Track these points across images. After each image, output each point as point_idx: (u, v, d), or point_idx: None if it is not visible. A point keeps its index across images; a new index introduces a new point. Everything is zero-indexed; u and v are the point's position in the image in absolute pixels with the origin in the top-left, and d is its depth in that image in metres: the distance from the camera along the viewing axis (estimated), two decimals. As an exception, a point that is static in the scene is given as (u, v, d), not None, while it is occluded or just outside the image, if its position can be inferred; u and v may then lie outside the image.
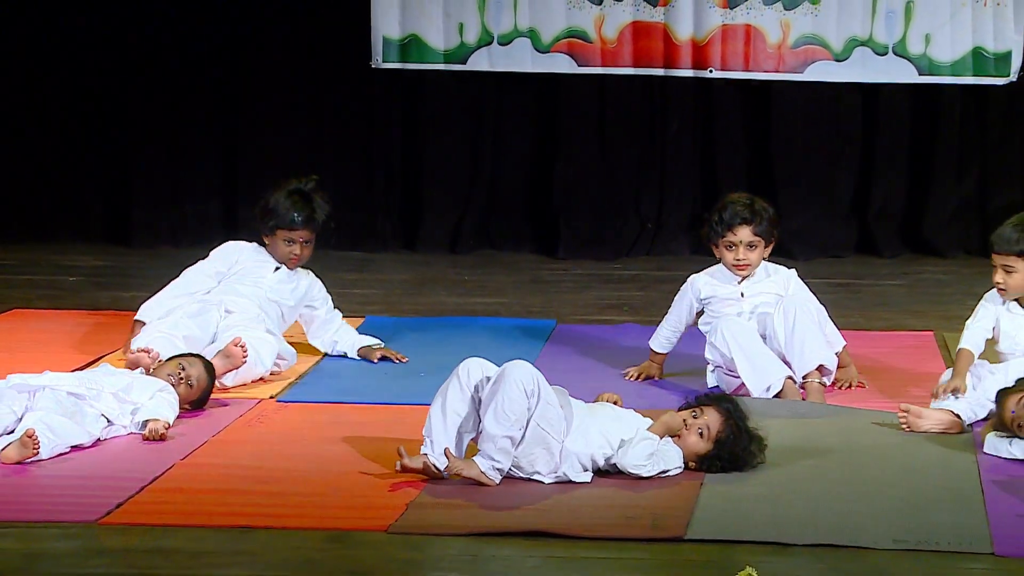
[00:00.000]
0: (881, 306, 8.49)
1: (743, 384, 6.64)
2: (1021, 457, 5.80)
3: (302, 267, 7.44)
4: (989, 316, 6.48)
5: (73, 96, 10.31)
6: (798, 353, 6.69)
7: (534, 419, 5.50)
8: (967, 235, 10.15)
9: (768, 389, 6.61)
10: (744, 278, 6.88)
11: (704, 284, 6.94)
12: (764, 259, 6.91)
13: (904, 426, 6.24)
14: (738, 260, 6.80)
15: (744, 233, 6.76)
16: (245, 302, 7.19)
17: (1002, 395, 5.96)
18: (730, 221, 6.78)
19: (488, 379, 5.58)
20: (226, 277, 7.32)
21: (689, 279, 7.02)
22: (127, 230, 10.23)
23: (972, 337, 6.44)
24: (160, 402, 6.20)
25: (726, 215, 6.80)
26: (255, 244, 7.42)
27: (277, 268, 7.33)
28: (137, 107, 10.32)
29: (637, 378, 7.00)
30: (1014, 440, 5.83)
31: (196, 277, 7.32)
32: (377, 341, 7.48)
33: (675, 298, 7.05)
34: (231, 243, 7.48)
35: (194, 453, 5.99)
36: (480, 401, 5.57)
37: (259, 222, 7.32)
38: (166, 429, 6.11)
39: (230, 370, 6.73)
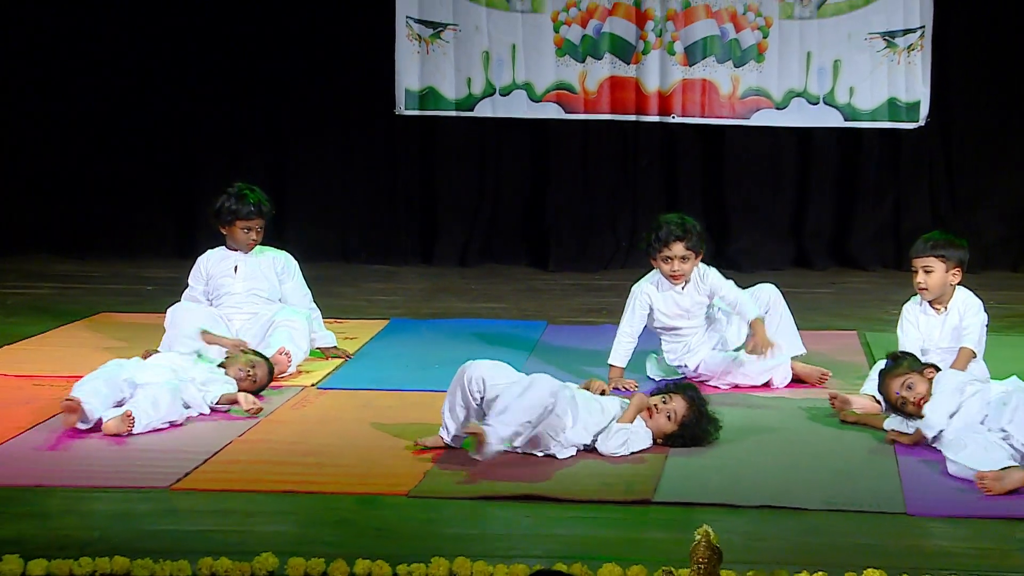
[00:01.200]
0: (813, 310, 8.48)
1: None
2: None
3: (269, 249, 7.27)
4: (912, 323, 6.40)
5: (150, 139, 10.31)
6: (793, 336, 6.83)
7: (543, 427, 5.49)
8: (884, 252, 10.16)
9: None
10: (684, 286, 6.72)
11: (652, 294, 6.75)
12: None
13: (833, 408, 6.23)
14: (674, 271, 6.65)
15: (678, 248, 6.61)
16: (244, 318, 7.08)
17: (884, 377, 5.85)
18: (665, 238, 6.61)
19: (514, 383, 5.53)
20: (208, 294, 7.18)
21: (635, 289, 6.80)
22: (194, 247, 10.12)
23: (910, 344, 6.32)
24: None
25: (662, 233, 6.63)
26: (211, 250, 7.25)
27: (236, 267, 7.15)
28: (202, 147, 10.33)
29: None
30: (909, 422, 5.79)
31: (195, 304, 7.20)
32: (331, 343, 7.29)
33: (626, 309, 6.79)
34: (198, 260, 7.27)
35: (248, 431, 5.98)
36: (481, 402, 5.53)
37: (218, 219, 7.13)
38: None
39: (279, 374, 6.69)
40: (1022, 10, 9.86)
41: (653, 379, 6.78)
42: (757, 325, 6.64)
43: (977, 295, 6.49)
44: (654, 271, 6.78)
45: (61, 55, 10.19)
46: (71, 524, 4.85)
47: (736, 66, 9.96)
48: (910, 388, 5.75)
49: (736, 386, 6.71)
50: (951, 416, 5.58)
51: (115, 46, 10.16)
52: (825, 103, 9.96)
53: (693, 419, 5.71)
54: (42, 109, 10.26)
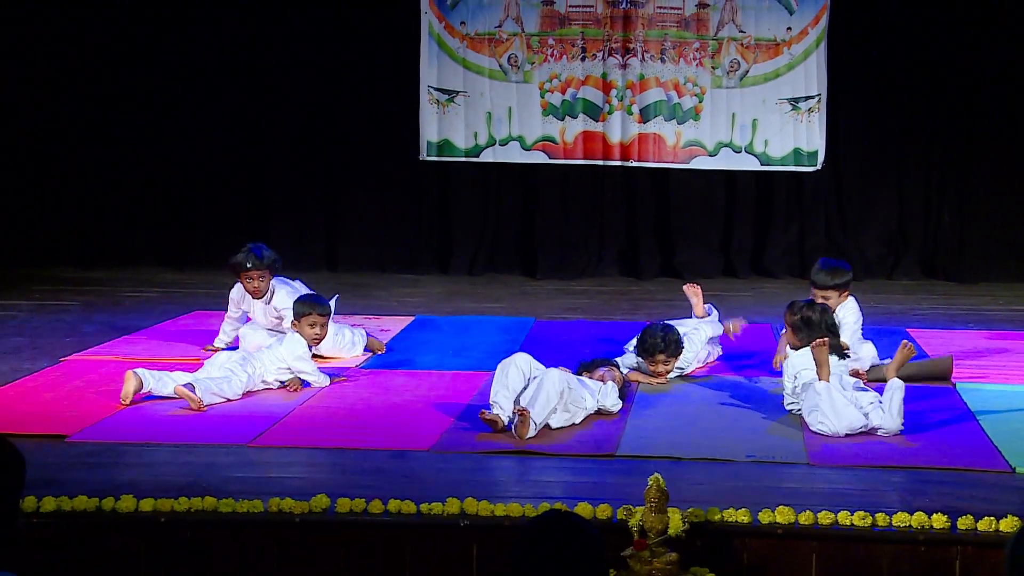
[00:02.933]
0: (738, 309, 8.45)
1: None
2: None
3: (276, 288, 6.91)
4: None
5: (234, 180, 10.27)
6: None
7: (571, 405, 5.47)
8: (791, 264, 10.12)
9: None
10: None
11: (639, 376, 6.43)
12: None
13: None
14: (657, 372, 6.36)
15: (660, 357, 6.34)
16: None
17: (788, 309, 5.88)
18: (651, 351, 6.32)
19: (534, 378, 5.48)
20: (241, 319, 6.99)
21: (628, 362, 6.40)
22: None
23: None
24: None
25: (647, 346, 6.33)
26: (239, 286, 6.97)
27: (253, 307, 6.94)
28: (273, 184, 10.28)
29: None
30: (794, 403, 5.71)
31: (233, 316, 7.03)
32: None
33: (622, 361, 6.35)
34: (232, 293, 7.02)
35: (307, 401, 5.97)
36: (529, 380, 5.49)
37: (232, 273, 6.95)
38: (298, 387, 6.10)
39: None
40: (894, 81, 9.86)
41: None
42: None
43: (859, 298, 6.54)
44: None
45: (170, 114, 10.17)
46: (171, 472, 4.83)
47: (679, 123, 9.95)
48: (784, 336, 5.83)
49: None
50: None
51: (211, 116, 10.13)
52: (746, 152, 9.95)
53: (623, 383, 5.92)
54: (161, 157, 10.23)
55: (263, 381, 6.08)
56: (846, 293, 6.43)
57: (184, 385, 5.72)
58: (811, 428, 5.37)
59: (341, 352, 6.87)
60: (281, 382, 6.15)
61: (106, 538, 4.35)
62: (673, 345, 6.33)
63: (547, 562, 2.68)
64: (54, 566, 4.33)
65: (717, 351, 6.82)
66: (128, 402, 5.70)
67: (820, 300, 6.29)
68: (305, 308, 6.41)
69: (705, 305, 6.94)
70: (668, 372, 6.37)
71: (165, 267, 10.13)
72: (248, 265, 6.85)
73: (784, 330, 5.85)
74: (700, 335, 6.61)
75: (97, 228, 10.27)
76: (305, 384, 6.14)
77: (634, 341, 6.53)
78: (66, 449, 5.11)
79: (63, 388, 6.10)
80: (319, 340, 6.43)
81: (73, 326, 7.73)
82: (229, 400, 5.85)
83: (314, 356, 6.46)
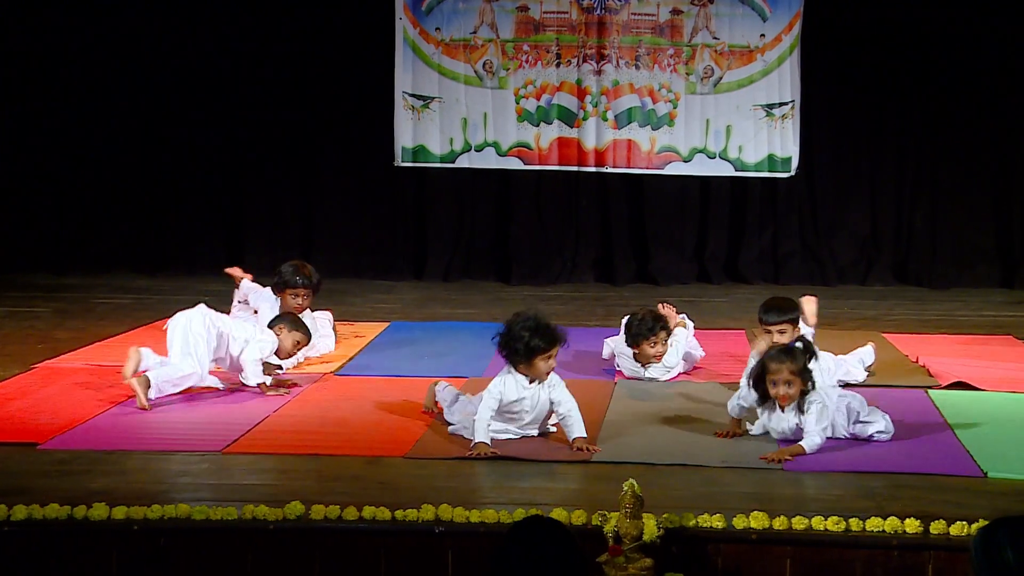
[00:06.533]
0: (712, 314, 8.50)
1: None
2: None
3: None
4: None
5: (209, 187, 10.25)
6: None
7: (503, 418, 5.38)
8: (765, 270, 10.18)
9: None
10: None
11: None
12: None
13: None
14: (655, 354, 6.43)
15: (654, 338, 6.41)
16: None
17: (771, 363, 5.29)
18: (645, 332, 6.39)
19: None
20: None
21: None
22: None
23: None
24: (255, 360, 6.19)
25: (641, 328, 6.38)
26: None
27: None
28: (249, 191, 10.27)
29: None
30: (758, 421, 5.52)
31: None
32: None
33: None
34: (259, 306, 6.98)
35: (282, 407, 5.94)
36: None
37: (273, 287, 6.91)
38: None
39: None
40: (867, 87, 9.93)
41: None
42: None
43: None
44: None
45: (143, 119, 10.13)
46: (145, 479, 4.80)
47: (653, 129, 9.98)
48: (789, 385, 5.24)
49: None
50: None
51: (185, 121, 10.11)
52: (720, 158, 10.00)
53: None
54: (136, 166, 10.21)
55: (229, 354, 6.12)
56: (796, 329, 6.23)
57: (142, 374, 5.76)
58: (861, 432, 5.30)
59: (320, 348, 6.96)
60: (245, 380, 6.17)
61: (78, 546, 4.31)
62: (662, 320, 6.45)
63: (526, 566, 2.68)
64: (25, 575, 4.30)
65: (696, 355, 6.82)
66: (128, 380, 5.78)
67: (776, 337, 5.91)
68: (294, 279, 6.67)
69: (680, 315, 6.88)
70: (664, 352, 6.43)
71: (138, 273, 10.09)
72: (300, 280, 6.79)
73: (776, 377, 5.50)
74: (675, 347, 6.59)
75: (69, 234, 10.23)
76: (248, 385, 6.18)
77: (612, 344, 6.54)
78: (37, 457, 5.07)
79: (34, 395, 6.05)
80: (301, 309, 6.65)
81: (45, 332, 7.68)
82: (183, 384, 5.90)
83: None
